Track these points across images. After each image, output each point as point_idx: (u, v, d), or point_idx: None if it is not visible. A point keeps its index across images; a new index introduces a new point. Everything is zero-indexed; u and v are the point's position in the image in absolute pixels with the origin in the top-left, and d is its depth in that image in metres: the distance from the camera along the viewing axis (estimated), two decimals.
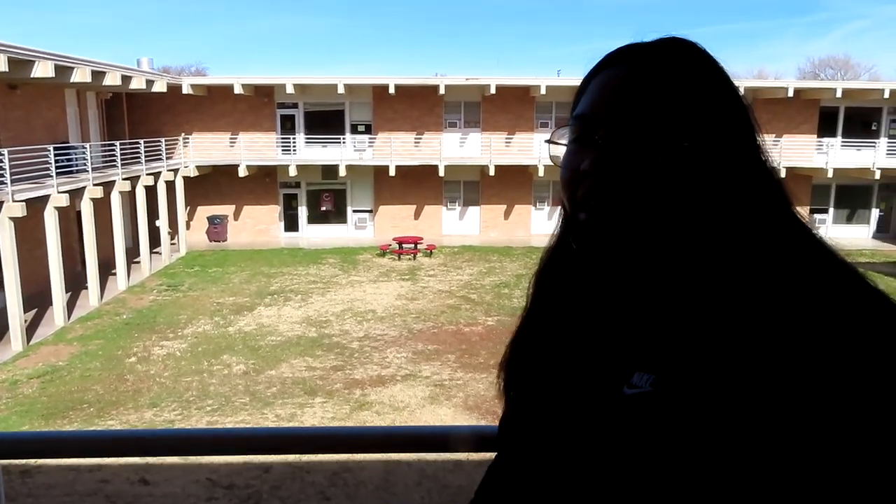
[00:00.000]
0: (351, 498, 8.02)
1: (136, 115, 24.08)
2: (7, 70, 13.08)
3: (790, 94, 23.83)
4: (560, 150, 0.75)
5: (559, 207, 0.81)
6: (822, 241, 0.70)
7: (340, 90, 23.10)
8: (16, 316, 13.24)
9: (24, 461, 8.80)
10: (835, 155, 24.63)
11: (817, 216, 26.36)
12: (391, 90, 23.38)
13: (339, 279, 19.04)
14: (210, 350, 13.22)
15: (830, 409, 0.57)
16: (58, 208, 14.55)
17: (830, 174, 24.11)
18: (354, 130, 25.07)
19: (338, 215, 25.68)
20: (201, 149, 24.26)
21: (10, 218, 12.95)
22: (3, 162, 13.05)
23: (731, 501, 0.59)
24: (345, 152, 24.19)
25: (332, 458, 8.93)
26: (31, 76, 14.42)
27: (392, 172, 23.56)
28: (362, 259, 21.76)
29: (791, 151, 24.53)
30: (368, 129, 25.10)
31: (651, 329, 0.69)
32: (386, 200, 25.36)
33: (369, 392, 11.22)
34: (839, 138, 25.55)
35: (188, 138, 24.17)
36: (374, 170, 24.66)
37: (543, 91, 23.16)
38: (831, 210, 26.62)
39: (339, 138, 24.58)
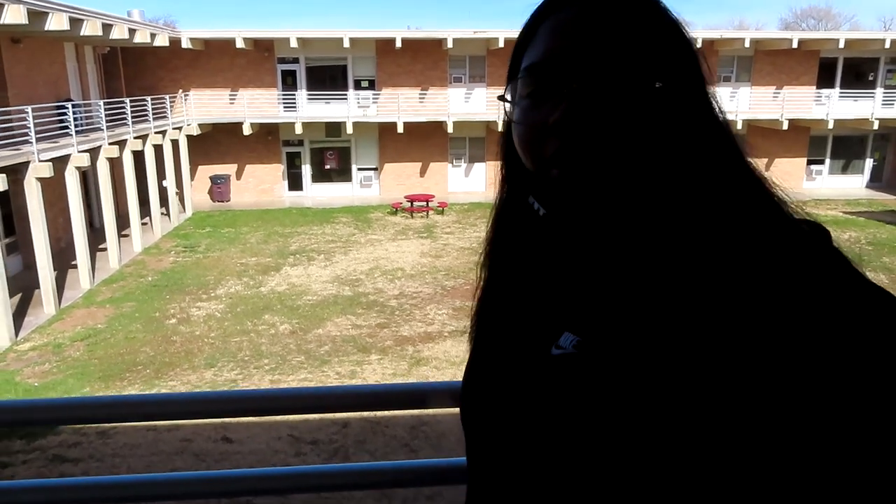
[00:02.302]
0: (437, 448, 8.14)
1: (131, 71, 23.28)
2: (27, 22, 12.50)
3: (794, 44, 23.92)
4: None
5: (500, 169, 0.77)
6: (773, 195, 0.66)
7: (346, 44, 22.57)
8: (47, 279, 12.95)
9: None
10: (833, 106, 24.93)
11: (814, 167, 26.83)
12: (398, 44, 22.93)
13: (356, 238, 18.92)
14: (249, 310, 13.12)
15: (752, 362, 0.55)
16: (78, 168, 14.13)
17: (831, 125, 24.43)
18: (357, 86, 24.61)
19: (342, 173, 25.36)
20: (200, 106, 23.59)
21: (38, 179, 12.55)
22: (27, 120, 12.58)
23: (650, 463, 0.57)
24: (349, 109, 23.78)
25: (406, 413, 9.01)
26: (46, 29, 13.81)
27: (401, 129, 23.25)
28: (375, 217, 21.62)
29: (791, 103, 24.75)
30: (372, 85, 24.66)
31: (583, 288, 0.68)
32: (391, 158, 25.09)
33: (421, 348, 11.28)
34: (837, 89, 25.83)
35: (187, 94, 23.50)
36: (379, 127, 24.32)
37: None
38: (827, 161, 27.06)
39: (343, 94, 24.13)
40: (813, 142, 26.49)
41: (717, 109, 0.67)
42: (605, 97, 0.61)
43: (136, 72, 23.31)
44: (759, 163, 0.68)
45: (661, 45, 0.64)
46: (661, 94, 0.62)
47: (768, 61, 25.56)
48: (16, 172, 12.68)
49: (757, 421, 0.54)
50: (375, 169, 25.33)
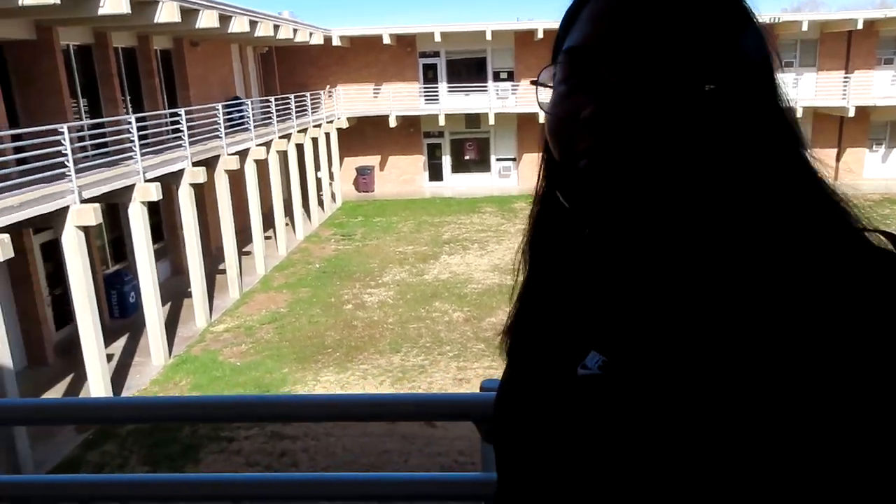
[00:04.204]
0: None
1: (283, 69, 24.49)
2: (218, 26, 13.38)
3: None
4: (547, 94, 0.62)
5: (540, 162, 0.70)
6: (844, 209, 0.56)
7: (488, 37, 22.69)
8: (233, 265, 13.85)
9: None
10: None
11: None
12: (539, 35, 22.76)
13: (506, 228, 19.00)
14: (418, 297, 13.46)
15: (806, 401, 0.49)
16: (257, 161, 15.00)
17: None
18: (496, 78, 24.67)
19: (481, 164, 25.56)
20: (346, 100, 24.51)
21: (226, 171, 13.41)
22: (217, 117, 13.47)
23: (672, 486, 0.53)
24: (489, 100, 23.88)
25: None
26: (230, 31, 14.73)
27: (541, 119, 22.99)
28: (519, 207, 21.59)
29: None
30: (510, 77, 24.64)
31: (610, 302, 0.62)
32: (529, 148, 24.96)
33: None
34: None
35: (334, 89, 24.44)
36: (518, 117, 24.28)
37: None
38: None
39: (483, 86, 24.26)
40: None
41: (784, 112, 0.58)
42: (644, 98, 0.54)
43: (288, 69, 24.49)
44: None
45: (720, 39, 0.55)
46: (711, 99, 0.55)
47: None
48: (206, 166, 13.62)
49: (798, 448, 0.49)
50: (514, 159, 25.34)
